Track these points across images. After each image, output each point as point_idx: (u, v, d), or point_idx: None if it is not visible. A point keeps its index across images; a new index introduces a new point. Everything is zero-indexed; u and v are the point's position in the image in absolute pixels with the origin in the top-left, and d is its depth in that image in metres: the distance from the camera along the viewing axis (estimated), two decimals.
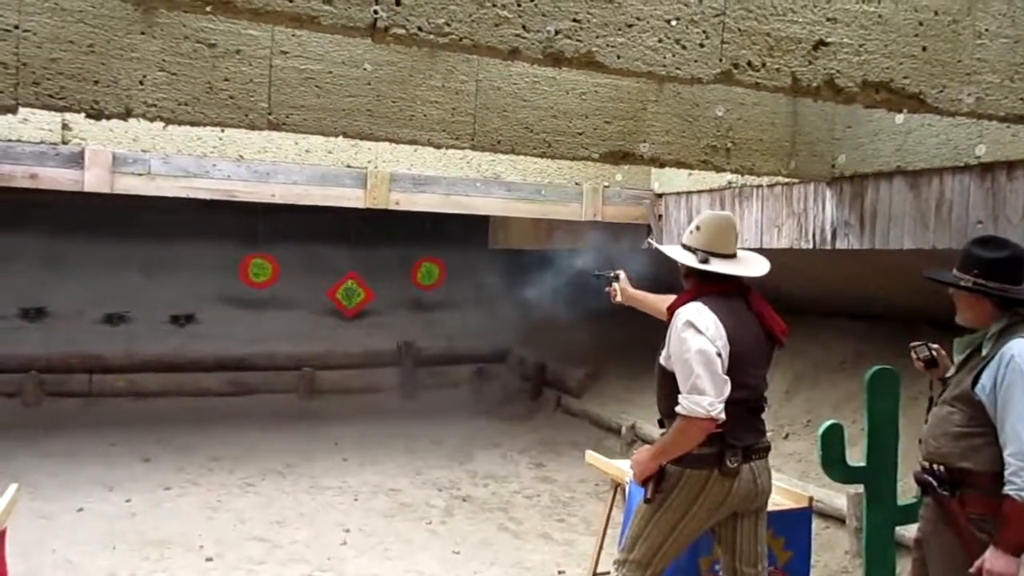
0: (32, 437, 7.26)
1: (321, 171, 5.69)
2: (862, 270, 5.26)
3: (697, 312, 2.97)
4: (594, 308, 7.89)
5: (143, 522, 5.44)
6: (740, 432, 3.01)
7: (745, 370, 3.00)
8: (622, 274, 3.84)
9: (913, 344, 3.06)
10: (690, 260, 3.12)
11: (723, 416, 2.84)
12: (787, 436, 6.06)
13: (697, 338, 2.90)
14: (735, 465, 2.97)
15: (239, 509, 5.80)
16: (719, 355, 2.89)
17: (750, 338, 3.06)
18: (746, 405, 3.04)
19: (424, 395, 9.66)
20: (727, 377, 2.89)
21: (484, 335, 10.24)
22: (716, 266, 3.08)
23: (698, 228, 3.16)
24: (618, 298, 3.80)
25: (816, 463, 3.87)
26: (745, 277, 3.17)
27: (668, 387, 3.01)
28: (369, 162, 5.77)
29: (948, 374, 2.86)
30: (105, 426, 7.84)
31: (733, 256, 3.17)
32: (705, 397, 2.83)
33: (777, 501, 3.74)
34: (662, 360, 3.08)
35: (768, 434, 3.24)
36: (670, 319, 3.10)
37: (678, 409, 2.88)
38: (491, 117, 3.66)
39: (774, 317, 3.16)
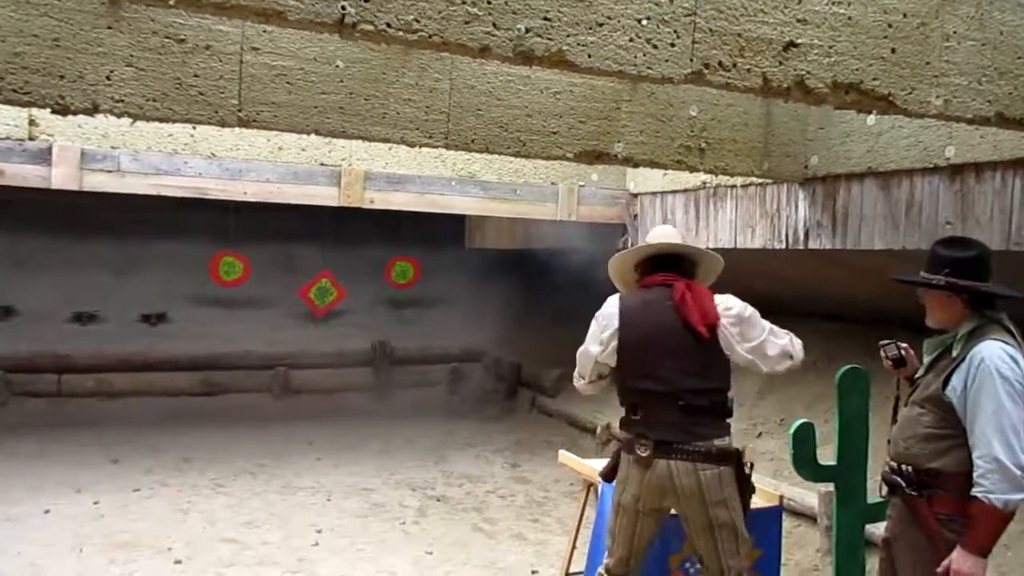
0: None
1: (294, 169, 5.65)
2: (834, 270, 5.30)
3: (606, 303, 3.32)
4: (569, 308, 7.92)
5: (111, 524, 5.37)
6: (654, 425, 3.11)
7: (652, 359, 3.11)
8: None
9: (882, 343, 3.07)
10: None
11: (589, 390, 3.34)
12: (760, 435, 6.10)
13: (591, 326, 3.32)
14: (645, 455, 3.08)
15: (209, 510, 5.74)
16: (600, 343, 3.24)
17: (655, 328, 3.15)
18: (660, 397, 3.10)
19: (399, 395, 9.62)
20: (608, 363, 3.25)
21: (459, 335, 10.20)
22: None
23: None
24: None
25: (788, 462, 3.89)
26: (688, 271, 3.32)
27: None
28: (343, 160, 5.73)
29: (917, 375, 2.87)
30: (74, 427, 7.73)
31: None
32: (577, 372, 3.40)
33: None
34: None
35: (731, 437, 3.20)
36: None
37: None
38: (465, 116, 3.64)
39: (698, 308, 3.13)
